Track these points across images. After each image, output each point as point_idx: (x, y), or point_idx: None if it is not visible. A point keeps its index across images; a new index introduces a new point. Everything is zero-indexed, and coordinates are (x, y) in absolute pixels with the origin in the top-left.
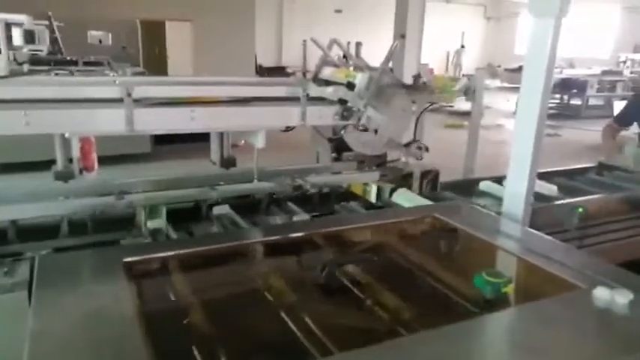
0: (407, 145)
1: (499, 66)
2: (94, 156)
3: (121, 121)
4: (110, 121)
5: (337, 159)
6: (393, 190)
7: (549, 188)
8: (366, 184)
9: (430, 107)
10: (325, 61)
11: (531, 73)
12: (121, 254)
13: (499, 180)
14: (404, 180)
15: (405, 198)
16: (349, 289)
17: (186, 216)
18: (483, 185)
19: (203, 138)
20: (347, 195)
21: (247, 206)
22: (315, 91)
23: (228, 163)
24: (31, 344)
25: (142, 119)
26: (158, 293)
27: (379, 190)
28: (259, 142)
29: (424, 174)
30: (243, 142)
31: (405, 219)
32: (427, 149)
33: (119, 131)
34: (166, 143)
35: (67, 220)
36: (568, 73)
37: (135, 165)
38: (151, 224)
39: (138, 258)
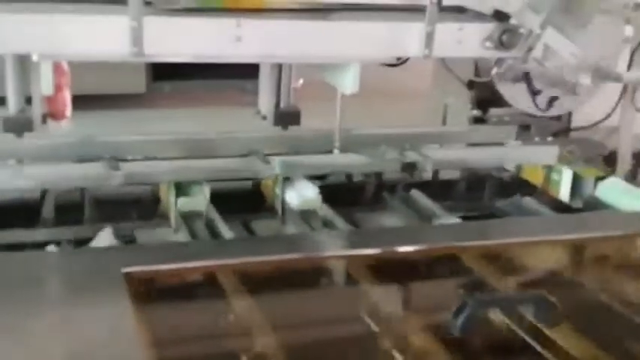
0: None
1: None
2: (67, 96)
3: (120, 37)
4: (102, 38)
5: (480, 119)
6: (598, 180)
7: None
8: (549, 167)
9: None
10: None
11: None
12: (119, 259)
13: None
14: (606, 162)
15: (624, 194)
16: (507, 348)
17: (238, 204)
18: None
19: (229, 73)
20: (516, 184)
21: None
22: None
23: (287, 117)
24: None
25: (155, 36)
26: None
27: (576, 180)
28: (349, 83)
29: None
30: (301, 81)
31: (618, 233)
32: None
33: (119, 55)
34: (168, 79)
35: (53, 197)
36: None
37: (122, 112)
38: (184, 205)
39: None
